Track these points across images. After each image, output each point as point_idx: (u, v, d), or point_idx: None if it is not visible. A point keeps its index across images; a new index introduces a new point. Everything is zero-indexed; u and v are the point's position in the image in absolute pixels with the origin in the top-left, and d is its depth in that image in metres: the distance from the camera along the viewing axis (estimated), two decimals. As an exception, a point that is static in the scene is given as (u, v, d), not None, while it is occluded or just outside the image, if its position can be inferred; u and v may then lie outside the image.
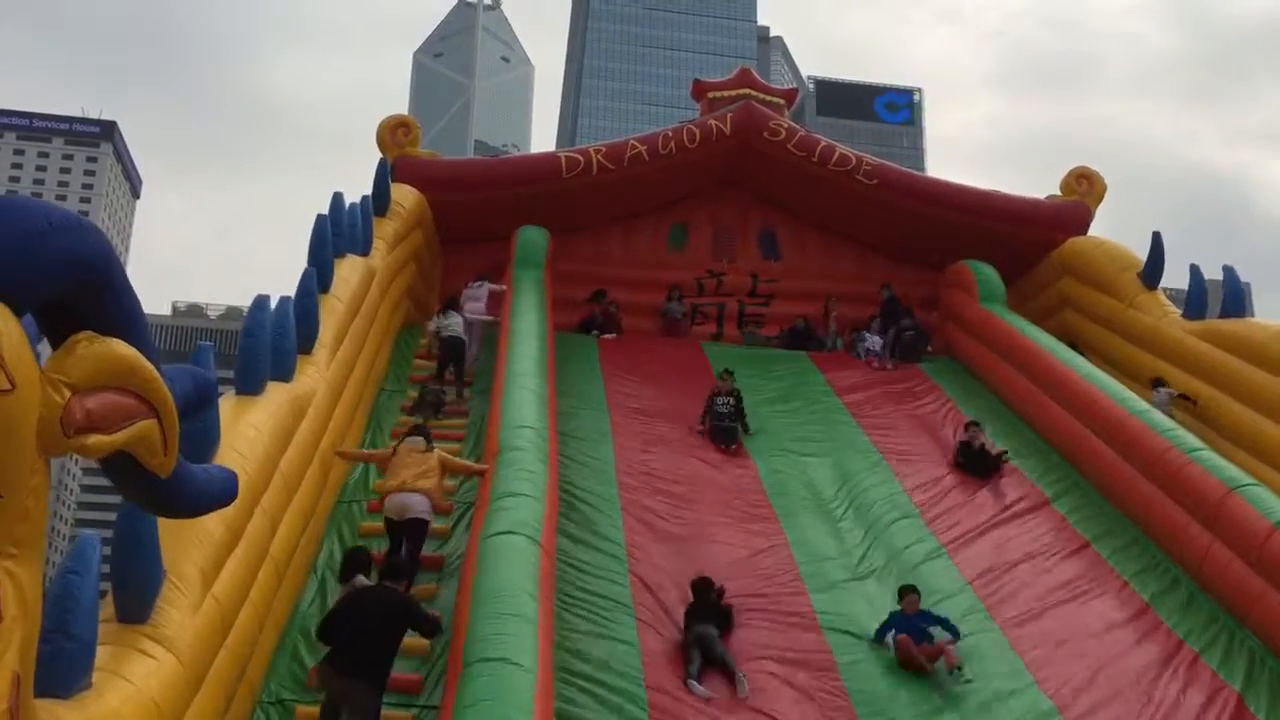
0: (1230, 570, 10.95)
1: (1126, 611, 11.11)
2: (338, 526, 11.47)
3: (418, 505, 10.44)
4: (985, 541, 12.55)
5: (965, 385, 17.24)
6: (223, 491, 5.75)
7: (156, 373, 4.55)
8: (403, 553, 10.20)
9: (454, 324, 15.74)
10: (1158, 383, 15.61)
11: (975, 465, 14.23)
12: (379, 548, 10.79)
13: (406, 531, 10.32)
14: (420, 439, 10.94)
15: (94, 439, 4.19)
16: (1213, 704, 9.61)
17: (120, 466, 4.67)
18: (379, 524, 11.37)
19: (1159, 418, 13.33)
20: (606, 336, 18.52)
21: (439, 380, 15.14)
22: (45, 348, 4.46)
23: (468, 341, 15.95)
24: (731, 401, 14.84)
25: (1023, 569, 11.90)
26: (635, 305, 19.42)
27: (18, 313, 4.00)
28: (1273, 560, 10.40)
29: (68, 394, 4.09)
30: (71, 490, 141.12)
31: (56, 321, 4.25)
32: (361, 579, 9.02)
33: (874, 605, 10.87)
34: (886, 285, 19.81)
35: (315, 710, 8.54)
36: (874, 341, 18.98)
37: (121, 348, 4.32)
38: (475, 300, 16.86)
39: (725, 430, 14.62)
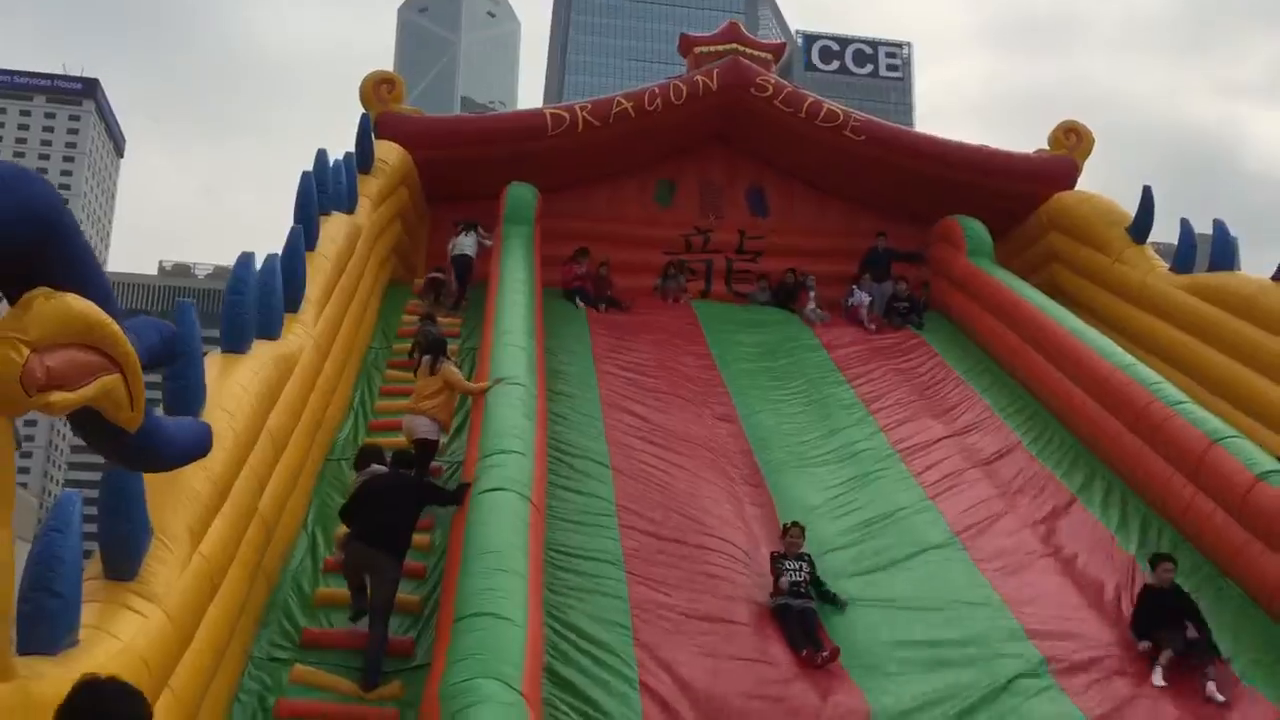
0: (1212, 521, 11.04)
1: (1109, 563, 11.19)
2: (327, 485, 11.48)
3: (421, 427, 11.39)
4: (969, 492, 12.64)
5: (963, 349, 17.04)
6: (197, 444, 5.72)
7: (118, 327, 4.49)
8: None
9: (464, 244, 17.24)
10: None
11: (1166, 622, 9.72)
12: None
13: (416, 451, 11.15)
14: (428, 357, 11.88)
15: (56, 396, 4.13)
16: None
17: (89, 422, 4.64)
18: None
19: (1144, 371, 13.38)
20: (596, 308, 17.41)
21: (460, 296, 16.73)
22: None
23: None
24: (805, 568, 10.42)
25: (1005, 521, 11.99)
26: (622, 263, 19.25)
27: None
28: (1255, 511, 10.48)
29: (26, 352, 4.03)
30: (62, 451, 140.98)
31: (10, 278, 4.18)
32: (376, 467, 9.86)
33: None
34: (882, 234, 19.65)
35: (309, 670, 8.62)
36: (861, 297, 18.55)
37: (79, 303, 4.25)
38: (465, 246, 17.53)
39: (802, 616, 9.95)
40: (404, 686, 8.59)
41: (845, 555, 11.21)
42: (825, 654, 9.41)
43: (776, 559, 10.57)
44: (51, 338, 4.14)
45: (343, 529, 9.60)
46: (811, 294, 18.55)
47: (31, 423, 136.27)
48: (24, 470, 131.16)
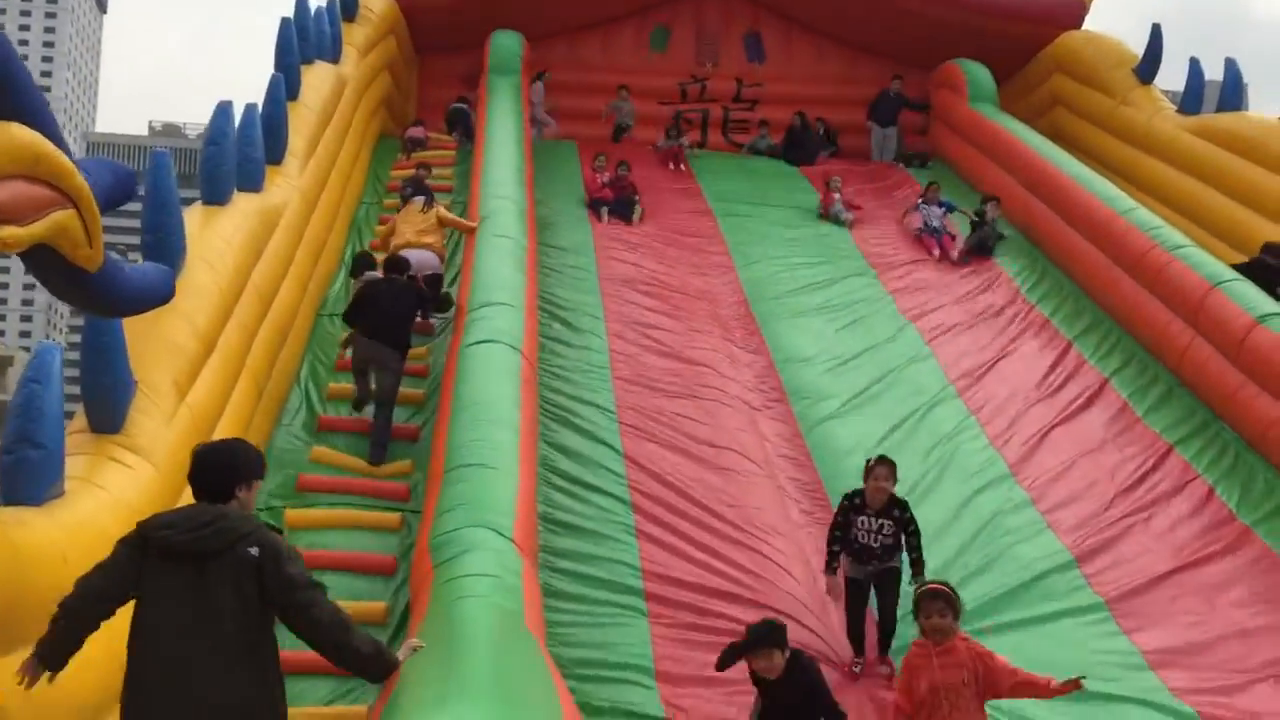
0: (1209, 366, 10.99)
1: (1105, 409, 11.20)
2: (319, 340, 11.41)
3: (430, 263, 11.63)
4: (965, 339, 12.56)
5: (963, 198, 16.42)
6: (159, 288, 5.59)
7: (67, 160, 4.31)
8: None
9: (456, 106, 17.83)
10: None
11: None
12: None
13: (429, 285, 11.34)
14: (422, 198, 12.24)
15: (6, 232, 3.97)
16: (1185, 494, 9.77)
17: (46, 262, 4.50)
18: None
19: (1145, 216, 13.18)
20: (628, 222, 15.10)
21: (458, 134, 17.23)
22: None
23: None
24: (891, 525, 7.44)
25: (1003, 367, 11.96)
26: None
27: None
28: (1252, 355, 10.42)
29: None
30: (62, 315, 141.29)
31: None
32: (371, 273, 10.65)
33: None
34: (898, 77, 18.99)
35: (307, 512, 8.74)
36: (933, 214, 14.93)
37: (24, 132, 4.06)
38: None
39: (881, 581, 7.49)
40: (413, 463, 9.25)
41: (848, 420, 10.81)
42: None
43: (848, 510, 7.47)
44: None
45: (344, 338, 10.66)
46: (837, 195, 15.91)
47: (31, 286, 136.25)
48: (25, 334, 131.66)
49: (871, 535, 7.40)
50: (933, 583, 6.00)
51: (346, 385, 10.36)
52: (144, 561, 4.21)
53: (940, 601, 5.73)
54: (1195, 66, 16.24)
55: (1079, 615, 8.23)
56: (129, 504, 6.09)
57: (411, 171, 14.84)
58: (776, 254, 14.54)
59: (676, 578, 8.24)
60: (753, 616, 7.86)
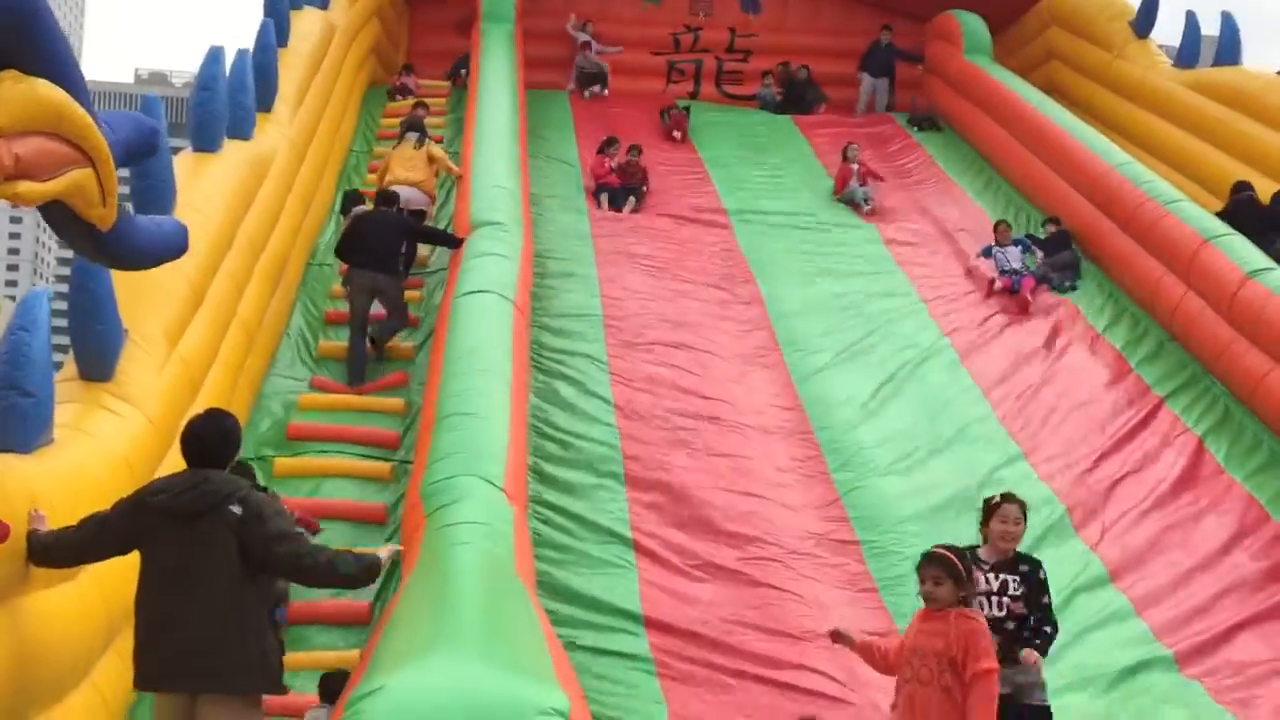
0: (1201, 320, 11.00)
1: (1096, 362, 11.25)
2: (309, 290, 11.39)
3: (415, 199, 11.83)
4: (960, 292, 12.55)
5: (958, 152, 16.35)
6: (173, 243, 5.59)
7: (90, 118, 4.29)
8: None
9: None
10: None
11: None
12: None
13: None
14: (413, 135, 12.44)
15: (24, 187, 3.95)
16: (1173, 446, 9.84)
17: (62, 218, 4.50)
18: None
19: (1138, 170, 13.14)
20: (628, 210, 14.04)
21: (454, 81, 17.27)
22: None
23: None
24: (1018, 583, 5.39)
25: (996, 321, 11.97)
26: (611, 64, 18.72)
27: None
28: (1243, 309, 10.44)
29: None
30: (49, 264, 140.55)
31: None
32: (361, 207, 10.96)
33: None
34: (887, 27, 18.79)
35: (297, 460, 8.82)
36: (1011, 256, 12.58)
37: (49, 89, 4.03)
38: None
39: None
40: (408, 375, 9.87)
41: (841, 371, 10.84)
42: None
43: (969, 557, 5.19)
44: (20, 124, 3.93)
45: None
46: (855, 168, 14.73)
47: (16, 235, 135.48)
48: (11, 284, 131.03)
49: (991, 601, 5.32)
50: (938, 546, 5.10)
51: (338, 344, 10.37)
52: (138, 524, 4.73)
53: (935, 567, 4.91)
54: (1191, 20, 16.13)
55: (1067, 564, 8.30)
56: (120, 453, 6.09)
57: (409, 112, 14.74)
58: (772, 206, 14.49)
59: (666, 527, 8.30)
60: (741, 566, 7.97)
